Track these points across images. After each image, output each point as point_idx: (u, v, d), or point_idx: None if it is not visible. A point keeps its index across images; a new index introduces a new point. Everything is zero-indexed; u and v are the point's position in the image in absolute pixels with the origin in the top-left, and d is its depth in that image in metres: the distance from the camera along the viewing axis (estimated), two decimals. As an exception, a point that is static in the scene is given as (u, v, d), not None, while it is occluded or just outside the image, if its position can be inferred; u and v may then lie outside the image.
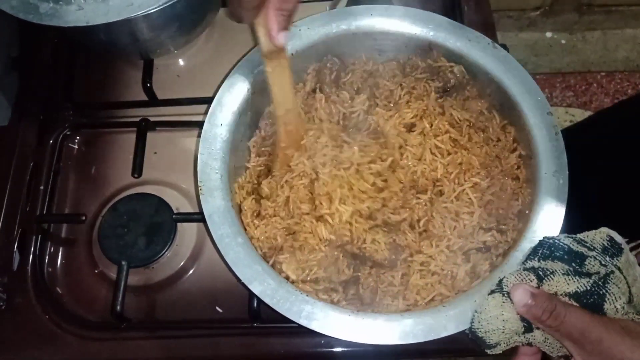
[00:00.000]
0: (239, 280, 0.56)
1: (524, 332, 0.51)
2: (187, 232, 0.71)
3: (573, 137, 1.00)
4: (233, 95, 0.65)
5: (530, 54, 1.80)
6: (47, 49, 0.83)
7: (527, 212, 0.61)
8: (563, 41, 1.82)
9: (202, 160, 0.61)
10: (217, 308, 0.68)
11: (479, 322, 0.52)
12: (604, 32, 1.81)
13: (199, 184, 0.60)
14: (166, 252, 0.68)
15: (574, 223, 0.59)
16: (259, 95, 0.67)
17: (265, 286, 0.55)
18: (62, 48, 0.83)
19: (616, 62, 1.78)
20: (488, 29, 0.78)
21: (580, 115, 1.70)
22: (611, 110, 1.04)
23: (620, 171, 0.87)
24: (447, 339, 0.53)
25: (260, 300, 0.56)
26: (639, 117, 0.87)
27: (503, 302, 0.51)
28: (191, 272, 0.70)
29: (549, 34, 1.82)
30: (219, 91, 0.65)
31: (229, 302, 0.67)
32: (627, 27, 1.80)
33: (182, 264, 0.69)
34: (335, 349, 0.64)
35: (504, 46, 0.69)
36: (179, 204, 0.72)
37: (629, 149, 0.85)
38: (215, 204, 0.59)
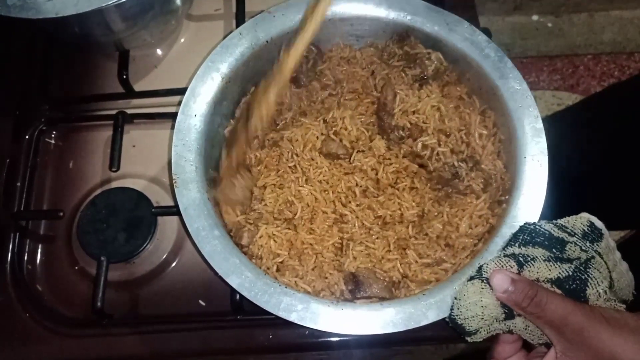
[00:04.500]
0: (216, 273, 0.55)
1: (504, 319, 0.51)
2: (168, 226, 0.70)
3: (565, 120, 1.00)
4: (207, 84, 0.64)
5: (517, 37, 1.79)
6: (21, 43, 0.81)
7: (507, 197, 0.60)
8: (549, 24, 1.81)
9: (176, 152, 0.60)
10: (200, 302, 0.67)
11: (458, 308, 0.52)
12: (590, 14, 1.80)
13: (174, 176, 0.59)
14: (147, 247, 0.67)
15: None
16: (234, 84, 0.66)
17: (243, 279, 0.54)
18: (36, 41, 0.81)
19: (602, 45, 1.77)
20: (469, 12, 0.77)
21: (567, 98, 1.70)
22: (602, 94, 1.04)
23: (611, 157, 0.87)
24: (430, 326, 0.53)
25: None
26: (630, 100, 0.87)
27: (482, 288, 0.51)
28: (173, 266, 0.69)
29: (535, 17, 1.81)
30: (193, 81, 0.64)
31: (212, 295, 0.67)
32: (612, 9, 1.79)
33: (163, 258, 0.69)
34: (320, 340, 0.63)
35: (486, 30, 0.68)
36: (159, 197, 0.71)
37: (620, 133, 0.85)
38: (190, 197, 0.58)
